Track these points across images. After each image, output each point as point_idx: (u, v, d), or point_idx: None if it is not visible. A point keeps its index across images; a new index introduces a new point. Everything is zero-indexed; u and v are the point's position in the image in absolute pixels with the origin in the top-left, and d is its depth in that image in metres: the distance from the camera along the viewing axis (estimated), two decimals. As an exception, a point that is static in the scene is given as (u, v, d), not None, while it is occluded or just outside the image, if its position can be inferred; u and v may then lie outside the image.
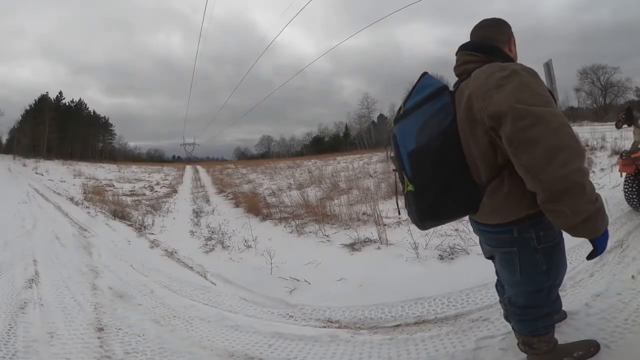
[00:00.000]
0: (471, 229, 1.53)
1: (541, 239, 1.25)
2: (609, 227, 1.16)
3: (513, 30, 1.38)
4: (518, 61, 1.34)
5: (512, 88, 1.05)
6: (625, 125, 3.68)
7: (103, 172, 19.62)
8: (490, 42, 1.29)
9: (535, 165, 1.00)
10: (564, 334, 1.82)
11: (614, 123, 4.00)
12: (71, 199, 9.79)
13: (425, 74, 1.24)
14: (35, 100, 31.35)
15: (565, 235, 1.22)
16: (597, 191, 1.08)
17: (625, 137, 6.51)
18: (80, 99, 34.50)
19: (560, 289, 2.32)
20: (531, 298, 1.39)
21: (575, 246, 2.99)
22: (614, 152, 6.61)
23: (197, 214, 7.72)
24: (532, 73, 1.11)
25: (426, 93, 1.19)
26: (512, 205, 1.18)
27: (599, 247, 1.13)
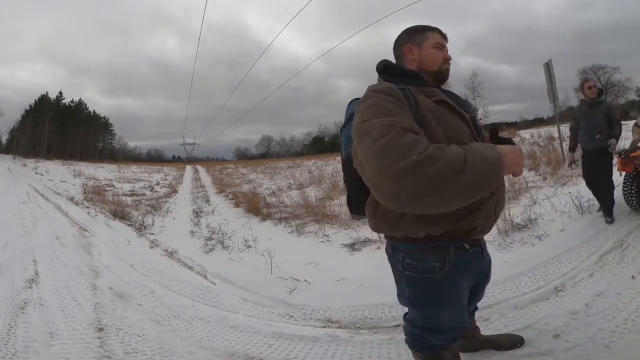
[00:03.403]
0: None
1: (406, 265, 1.21)
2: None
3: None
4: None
5: (360, 112, 1.07)
6: None
7: (103, 172, 19.62)
8: (384, 62, 1.32)
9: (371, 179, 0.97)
10: (565, 333, 1.83)
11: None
12: (71, 199, 9.79)
13: (353, 100, 1.33)
14: (35, 101, 31.37)
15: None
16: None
17: (625, 137, 6.51)
18: (80, 99, 34.53)
19: (559, 289, 2.36)
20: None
21: (572, 248, 3.01)
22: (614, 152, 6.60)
23: (197, 214, 7.72)
24: (385, 92, 1.09)
25: (347, 116, 1.32)
26: (378, 222, 1.20)
27: None
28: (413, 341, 1.38)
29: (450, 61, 1.32)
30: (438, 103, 1.16)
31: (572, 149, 3.80)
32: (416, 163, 0.88)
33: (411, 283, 1.23)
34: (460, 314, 1.30)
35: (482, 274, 1.35)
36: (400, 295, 1.30)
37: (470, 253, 1.21)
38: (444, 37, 1.34)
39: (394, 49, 1.35)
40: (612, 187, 3.43)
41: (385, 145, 0.92)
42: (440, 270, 1.17)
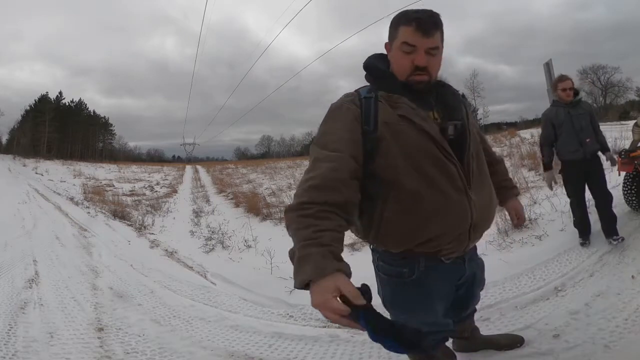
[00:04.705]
0: None
1: (379, 267, 1.23)
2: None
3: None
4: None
5: (321, 124, 1.09)
6: None
7: (103, 172, 19.58)
8: (367, 59, 1.16)
9: None
10: (565, 333, 1.83)
11: (612, 123, 3.94)
12: (71, 199, 9.78)
13: None
14: (35, 101, 31.29)
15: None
16: None
17: (625, 137, 6.51)
18: (80, 99, 34.42)
19: (559, 289, 2.36)
20: None
21: (572, 248, 3.01)
22: (614, 152, 6.59)
23: (197, 213, 7.72)
24: (339, 108, 1.05)
25: None
26: (352, 229, 1.22)
27: None
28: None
29: (428, 68, 1.01)
30: (401, 117, 1.00)
31: (550, 165, 3.03)
32: (293, 207, 0.95)
33: (385, 285, 1.25)
34: (432, 321, 1.24)
35: (469, 282, 1.30)
36: (378, 294, 1.29)
37: (447, 264, 1.15)
38: (423, 31, 0.97)
39: None
40: (611, 196, 2.98)
41: (303, 182, 0.98)
42: (408, 276, 1.15)
